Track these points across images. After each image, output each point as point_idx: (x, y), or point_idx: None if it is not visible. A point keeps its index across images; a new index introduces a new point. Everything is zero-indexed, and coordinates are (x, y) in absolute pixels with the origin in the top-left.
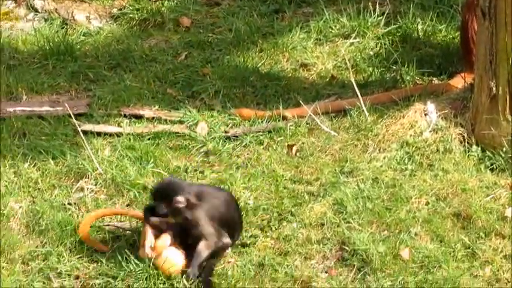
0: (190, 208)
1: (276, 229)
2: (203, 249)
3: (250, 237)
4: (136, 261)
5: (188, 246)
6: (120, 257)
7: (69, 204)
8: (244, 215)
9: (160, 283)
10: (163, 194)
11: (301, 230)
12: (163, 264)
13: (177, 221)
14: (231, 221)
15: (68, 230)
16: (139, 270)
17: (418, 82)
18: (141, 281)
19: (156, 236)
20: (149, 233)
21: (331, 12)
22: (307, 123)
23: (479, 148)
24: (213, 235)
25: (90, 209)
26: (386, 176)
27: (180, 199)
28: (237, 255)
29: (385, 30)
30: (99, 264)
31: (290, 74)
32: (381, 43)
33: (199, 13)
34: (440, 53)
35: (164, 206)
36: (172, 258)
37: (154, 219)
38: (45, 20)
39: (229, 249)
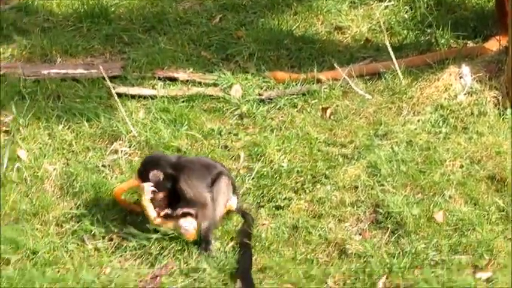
0: (169, 179)
1: (310, 191)
2: (204, 222)
3: (284, 199)
4: None
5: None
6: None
7: (103, 166)
8: (278, 178)
9: (191, 244)
10: (143, 172)
11: (335, 193)
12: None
13: (166, 193)
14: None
15: (102, 192)
16: (171, 233)
17: (452, 45)
18: (173, 243)
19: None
20: (149, 207)
21: None
22: (341, 86)
23: None
24: (204, 204)
25: (124, 171)
26: (420, 139)
27: (156, 173)
28: (271, 217)
29: None
30: (133, 226)
31: (324, 37)
32: (415, 6)
33: None
34: (475, 15)
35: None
36: (186, 227)
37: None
38: None
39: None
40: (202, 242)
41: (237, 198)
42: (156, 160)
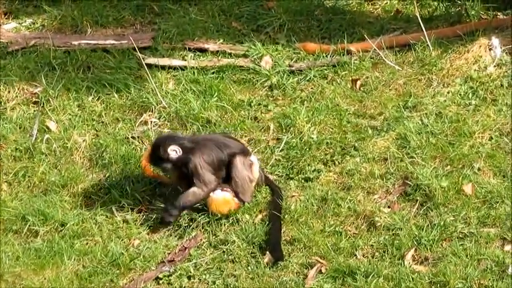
0: (186, 153)
1: (339, 163)
2: (190, 194)
3: (313, 171)
4: None
5: None
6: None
7: (133, 137)
8: (307, 150)
9: (218, 217)
10: (157, 152)
11: (364, 165)
12: (212, 205)
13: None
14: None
15: (131, 163)
16: (200, 205)
17: (482, 17)
18: (202, 216)
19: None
20: None
21: None
22: (371, 58)
23: None
24: (203, 185)
25: None
26: (450, 111)
27: (174, 147)
28: (300, 189)
29: None
30: (161, 198)
31: (355, 8)
32: None
33: None
34: None
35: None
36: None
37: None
38: None
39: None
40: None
41: (262, 172)
42: (172, 136)
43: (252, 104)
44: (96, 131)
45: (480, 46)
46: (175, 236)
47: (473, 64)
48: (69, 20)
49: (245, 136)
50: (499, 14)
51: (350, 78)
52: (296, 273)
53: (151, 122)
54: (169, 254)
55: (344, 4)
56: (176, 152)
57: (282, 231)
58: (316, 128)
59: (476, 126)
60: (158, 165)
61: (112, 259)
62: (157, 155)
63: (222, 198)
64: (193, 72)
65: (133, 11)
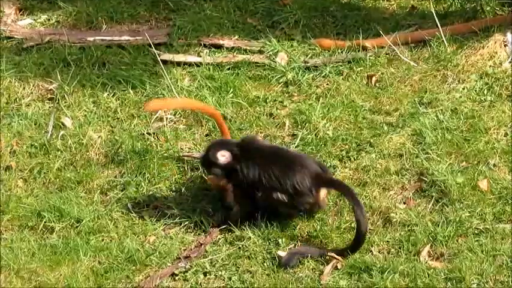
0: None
1: (354, 159)
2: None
3: (329, 167)
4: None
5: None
6: (196, 187)
7: (148, 134)
8: (323, 146)
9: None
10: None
11: (380, 161)
12: None
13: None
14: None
15: (147, 159)
16: (214, 200)
17: (498, 13)
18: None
19: None
20: None
21: None
22: (386, 54)
23: None
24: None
25: (169, 139)
26: (465, 107)
27: (223, 153)
28: None
29: None
30: (177, 194)
31: (370, 4)
32: None
33: None
34: None
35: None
36: None
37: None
38: None
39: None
40: None
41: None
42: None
43: (267, 100)
44: (112, 127)
45: (495, 42)
46: (191, 232)
47: (489, 60)
48: (84, 16)
49: (261, 132)
50: None
51: (365, 74)
52: (312, 270)
53: (166, 118)
54: (185, 250)
55: (359, 0)
56: (224, 157)
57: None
58: (332, 124)
59: (491, 122)
60: (208, 169)
61: (128, 255)
62: (206, 158)
63: None
64: (209, 69)
65: (148, 7)
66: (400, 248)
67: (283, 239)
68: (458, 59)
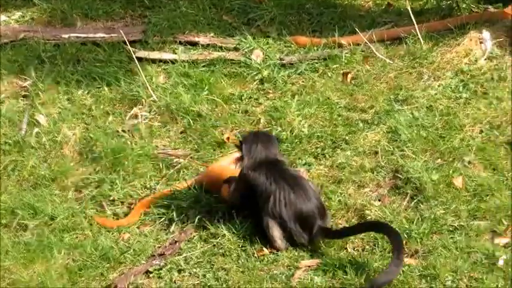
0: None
1: (329, 157)
2: None
3: (304, 164)
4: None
5: None
6: (171, 185)
7: (123, 131)
8: (298, 143)
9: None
10: None
11: (355, 158)
12: None
13: None
14: None
15: (122, 157)
16: (188, 197)
17: (473, 10)
18: (193, 210)
19: None
20: None
21: None
22: (362, 51)
23: None
24: None
25: (144, 136)
26: (440, 104)
27: None
28: None
29: None
30: (152, 191)
31: (346, 1)
32: None
33: None
34: None
35: None
36: None
37: None
38: None
39: None
40: None
41: None
42: None
43: (242, 98)
44: (86, 124)
45: (471, 39)
46: (166, 230)
47: (464, 57)
48: (59, 13)
49: (236, 129)
50: (489, 7)
51: (341, 72)
52: (287, 267)
53: (141, 115)
54: (159, 247)
55: None
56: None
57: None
58: (307, 122)
59: (466, 120)
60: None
61: (102, 253)
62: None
63: None
64: (184, 66)
65: (123, 4)
66: (374, 245)
67: (258, 237)
68: (434, 56)
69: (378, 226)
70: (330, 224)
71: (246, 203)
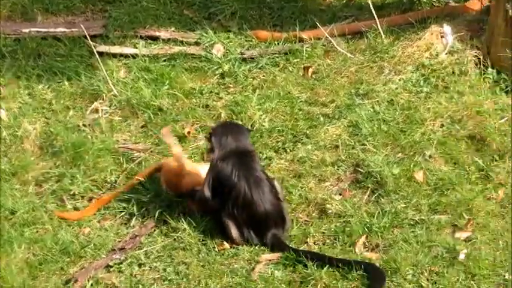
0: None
1: (290, 151)
2: None
3: (265, 159)
4: (148, 183)
5: None
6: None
7: (84, 125)
8: (259, 137)
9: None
10: None
11: (316, 152)
12: None
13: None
14: None
15: (82, 151)
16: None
17: (434, 4)
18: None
19: None
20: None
21: None
22: (323, 45)
23: (495, 70)
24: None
25: (104, 131)
26: (401, 98)
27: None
28: None
29: None
30: (112, 186)
31: None
32: None
33: None
34: None
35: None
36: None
37: None
38: None
39: None
40: None
41: None
42: None
43: (203, 92)
44: (47, 119)
45: (432, 34)
46: (126, 224)
47: (425, 51)
48: (19, 7)
49: (197, 124)
50: (450, 1)
51: (302, 66)
52: (247, 261)
53: (102, 110)
54: (119, 242)
55: None
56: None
57: None
58: (268, 116)
59: (427, 114)
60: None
61: (62, 247)
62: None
63: None
64: (145, 60)
65: None
66: (335, 239)
67: (218, 231)
68: (395, 51)
69: (342, 262)
70: (288, 230)
71: (216, 197)
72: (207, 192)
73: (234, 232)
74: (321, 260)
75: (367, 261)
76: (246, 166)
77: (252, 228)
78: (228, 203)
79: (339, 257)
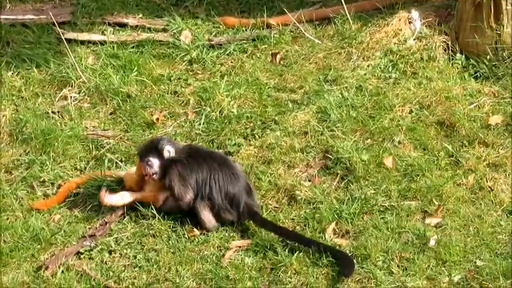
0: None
1: (259, 137)
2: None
3: (233, 145)
4: (116, 171)
5: None
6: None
7: (53, 112)
8: (227, 123)
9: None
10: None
11: (285, 138)
12: None
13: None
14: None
15: (52, 138)
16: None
17: None
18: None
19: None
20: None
21: None
22: (291, 31)
23: (463, 56)
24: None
25: (73, 117)
26: (370, 84)
27: (169, 148)
28: None
29: None
30: (81, 173)
31: None
32: None
33: None
34: None
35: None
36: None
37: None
38: None
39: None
40: None
41: None
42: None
43: (171, 79)
44: (16, 106)
45: (400, 19)
46: (96, 211)
47: (393, 37)
48: None
49: (165, 110)
50: None
51: (270, 52)
52: (217, 248)
53: (71, 97)
54: (90, 228)
55: None
56: (169, 153)
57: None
58: (236, 102)
59: (396, 100)
60: (147, 157)
61: (33, 234)
62: (152, 146)
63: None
64: (113, 47)
65: None
66: (305, 225)
67: (188, 218)
68: (363, 36)
69: (305, 242)
70: (257, 202)
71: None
72: (190, 194)
73: (207, 214)
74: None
75: (336, 247)
76: (208, 153)
77: (228, 205)
78: (202, 191)
79: (310, 238)
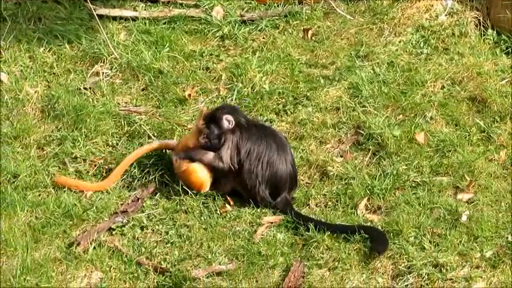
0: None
1: (291, 113)
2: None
3: (265, 121)
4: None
5: None
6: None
7: (85, 88)
8: (259, 99)
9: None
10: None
11: (317, 114)
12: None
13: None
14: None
15: (84, 114)
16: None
17: None
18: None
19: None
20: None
21: None
22: (323, 7)
23: (495, 32)
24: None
25: (105, 94)
26: (401, 60)
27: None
28: None
29: None
30: (114, 149)
31: None
32: None
33: None
34: None
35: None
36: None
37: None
38: None
39: None
40: None
41: None
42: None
43: (203, 54)
44: (48, 82)
45: None
46: (128, 187)
47: (425, 13)
48: None
49: (197, 86)
50: None
51: (302, 28)
52: (249, 223)
53: (103, 73)
54: (122, 204)
55: None
56: (229, 123)
57: None
58: (268, 78)
59: (428, 75)
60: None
61: (65, 210)
62: (212, 116)
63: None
64: (145, 23)
65: None
66: (337, 201)
67: (220, 194)
68: (395, 12)
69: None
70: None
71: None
72: (228, 159)
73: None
74: (323, 226)
75: (369, 224)
76: (270, 130)
77: (269, 187)
78: (250, 163)
79: (341, 223)
